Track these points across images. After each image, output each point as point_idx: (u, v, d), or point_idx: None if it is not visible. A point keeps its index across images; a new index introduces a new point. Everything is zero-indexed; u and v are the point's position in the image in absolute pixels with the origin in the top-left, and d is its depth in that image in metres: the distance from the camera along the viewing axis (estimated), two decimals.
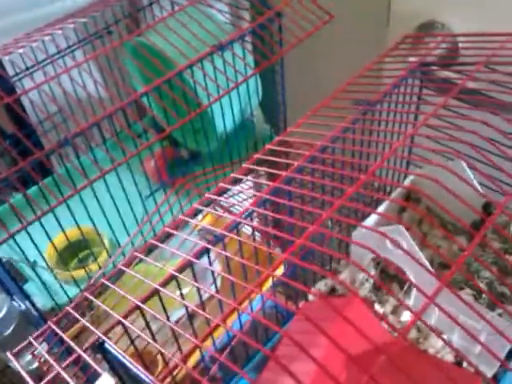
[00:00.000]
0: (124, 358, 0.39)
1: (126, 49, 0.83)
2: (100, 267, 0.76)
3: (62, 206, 0.63)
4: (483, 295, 0.60)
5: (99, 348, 0.41)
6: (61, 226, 0.66)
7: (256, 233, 0.72)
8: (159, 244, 0.50)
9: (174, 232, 0.49)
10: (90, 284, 0.73)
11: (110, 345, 0.40)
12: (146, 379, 0.36)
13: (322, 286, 0.69)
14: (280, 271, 0.71)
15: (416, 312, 0.37)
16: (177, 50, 0.71)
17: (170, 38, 0.72)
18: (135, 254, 0.50)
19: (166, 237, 0.53)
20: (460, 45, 0.73)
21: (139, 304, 0.43)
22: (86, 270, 0.75)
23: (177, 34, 0.72)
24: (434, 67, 0.66)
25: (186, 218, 0.51)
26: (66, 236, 0.69)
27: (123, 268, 0.49)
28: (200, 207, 0.52)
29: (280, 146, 0.57)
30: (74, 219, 0.67)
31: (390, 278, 0.68)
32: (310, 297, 0.70)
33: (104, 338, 0.40)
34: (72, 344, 0.41)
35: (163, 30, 0.75)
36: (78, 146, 0.67)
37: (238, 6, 0.97)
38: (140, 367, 0.37)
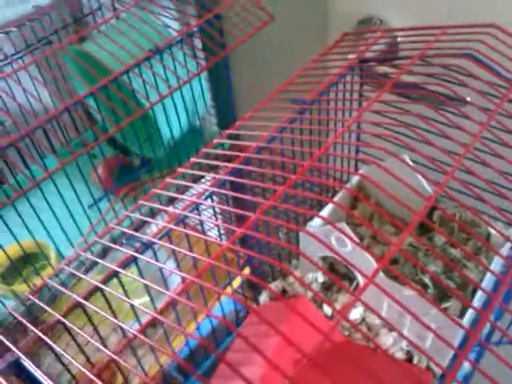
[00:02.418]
0: (41, 377, 0.37)
1: (65, 59, 0.81)
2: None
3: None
4: (429, 290, 0.60)
5: (16, 366, 0.38)
6: None
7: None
8: (88, 255, 0.48)
9: (101, 241, 0.47)
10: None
11: (26, 362, 0.38)
12: None
13: (272, 287, 0.68)
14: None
15: (356, 294, 0.36)
16: (114, 58, 0.70)
17: (107, 46, 0.71)
18: (63, 265, 0.48)
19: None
20: (399, 39, 0.73)
21: (60, 318, 0.41)
22: (29, 286, 0.72)
23: (115, 41, 0.71)
24: (373, 63, 0.66)
25: (115, 227, 0.49)
26: (5, 252, 0.67)
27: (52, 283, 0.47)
28: (131, 214, 0.51)
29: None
30: (12, 233, 0.65)
31: (339, 276, 0.67)
32: (261, 300, 0.69)
33: (20, 354, 0.38)
34: None
35: (101, 38, 0.73)
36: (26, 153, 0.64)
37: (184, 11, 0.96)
38: None
